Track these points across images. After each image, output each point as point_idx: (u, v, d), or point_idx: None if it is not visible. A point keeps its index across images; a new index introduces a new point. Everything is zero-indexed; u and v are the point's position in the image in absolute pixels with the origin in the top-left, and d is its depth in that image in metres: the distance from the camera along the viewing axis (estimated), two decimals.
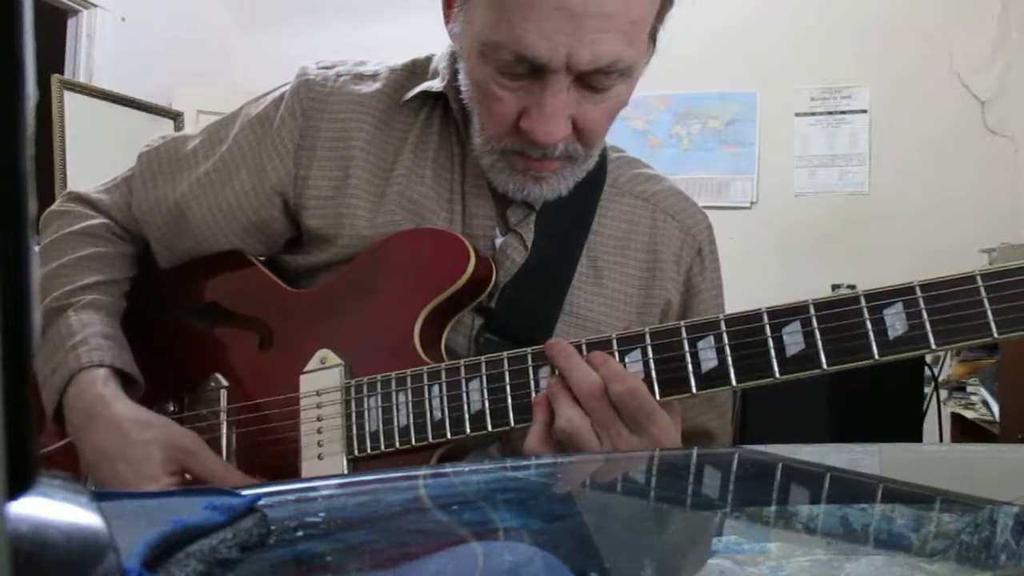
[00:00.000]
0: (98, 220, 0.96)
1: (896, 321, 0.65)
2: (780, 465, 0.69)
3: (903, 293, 0.65)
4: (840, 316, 0.67)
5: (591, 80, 0.76)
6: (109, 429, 0.81)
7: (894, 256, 3.21)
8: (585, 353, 0.74)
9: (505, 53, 0.74)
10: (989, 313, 0.63)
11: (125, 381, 0.87)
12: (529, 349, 0.76)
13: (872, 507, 0.54)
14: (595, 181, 0.92)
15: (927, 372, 2.39)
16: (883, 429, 2.11)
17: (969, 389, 2.73)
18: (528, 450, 0.73)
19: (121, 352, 0.88)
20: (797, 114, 3.62)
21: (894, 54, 3.47)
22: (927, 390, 2.41)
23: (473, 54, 0.78)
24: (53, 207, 0.99)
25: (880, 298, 0.66)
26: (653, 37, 0.82)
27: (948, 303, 0.64)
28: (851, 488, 0.61)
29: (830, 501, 0.57)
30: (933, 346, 0.64)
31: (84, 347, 0.84)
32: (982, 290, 0.63)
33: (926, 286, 0.65)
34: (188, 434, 0.84)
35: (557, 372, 0.73)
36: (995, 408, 2.45)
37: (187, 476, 0.83)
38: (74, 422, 0.83)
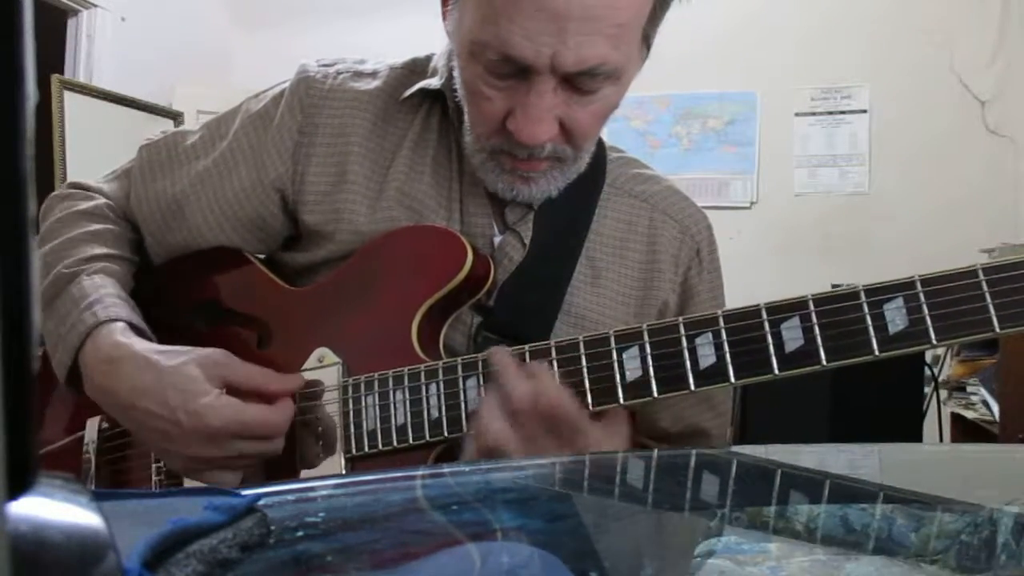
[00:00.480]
0: (102, 201, 0.96)
1: (896, 316, 0.65)
2: (775, 466, 0.69)
3: (903, 288, 0.65)
4: (840, 312, 0.67)
5: (577, 82, 0.76)
6: (138, 366, 0.78)
7: (894, 256, 3.20)
8: (583, 351, 0.74)
9: (491, 53, 0.74)
10: (991, 308, 0.62)
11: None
12: (526, 347, 0.76)
13: (872, 507, 0.54)
14: (594, 181, 0.92)
15: (927, 372, 2.39)
16: (883, 429, 2.11)
17: (969, 389, 2.73)
18: (465, 460, 0.74)
19: (134, 312, 0.86)
20: (797, 114, 3.62)
21: (894, 54, 3.47)
22: (927, 390, 2.41)
23: (463, 53, 0.79)
24: (55, 193, 0.99)
25: (880, 293, 0.66)
26: (647, 41, 0.82)
27: (949, 298, 0.63)
28: (847, 490, 0.61)
29: (825, 501, 0.57)
30: (934, 341, 0.64)
31: (100, 305, 0.83)
32: (984, 284, 0.62)
33: (927, 281, 0.64)
34: (214, 350, 0.81)
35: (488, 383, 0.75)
36: (995, 408, 2.45)
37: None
38: (96, 374, 0.81)
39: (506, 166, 0.82)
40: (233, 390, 0.79)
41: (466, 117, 0.84)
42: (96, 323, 0.82)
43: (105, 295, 0.85)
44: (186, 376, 0.77)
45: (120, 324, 0.83)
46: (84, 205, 0.95)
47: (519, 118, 0.76)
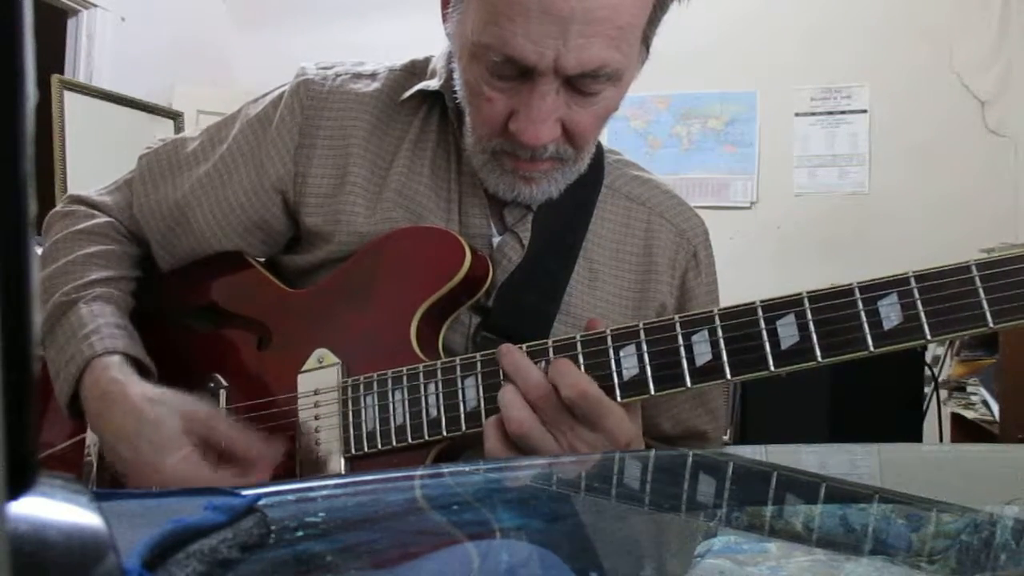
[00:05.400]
0: (103, 219, 0.96)
1: (891, 312, 0.65)
2: (775, 467, 0.69)
3: (898, 284, 0.65)
4: (834, 308, 0.67)
5: (579, 84, 0.76)
6: (124, 410, 0.79)
7: (894, 256, 3.19)
8: (580, 349, 0.74)
9: (493, 55, 0.74)
10: (984, 303, 0.62)
11: (139, 370, 0.86)
12: (524, 346, 0.76)
13: (872, 508, 0.54)
14: (592, 183, 0.92)
15: (927, 372, 2.39)
16: (883, 429, 2.11)
17: (969, 389, 2.73)
18: (488, 453, 0.73)
19: (133, 341, 0.87)
20: (797, 114, 3.62)
21: (894, 54, 3.47)
22: (927, 390, 2.41)
23: (464, 54, 0.79)
24: (56, 209, 0.99)
25: (875, 289, 0.66)
26: (646, 43, 0.82)
27: (943, 293, 0.64)
28: (846, 493, 0.61)
29: (824, 502, 0.57)
30: (928, 337, 0.64)
31: (96, 336, 0.84)
32: (977, 280, 0.63)
33: (921, 276, 0.65)
34: (202, 404, 0.82)
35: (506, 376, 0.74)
36: (995, 408, 2.45)
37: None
38: (91, 409, 0.82)
39: (507, 167, 0.82)
40: (213, 449, 0.79)
41: (467, 118, 0.84)
42: (93, 355, 0.82)
43: (103, 324, 0.85)
44: (162, 432, 0.77)
45: (117, 358, 0.83)
46: (84, 224, 0.95)
47: (521, 119, 0.77)
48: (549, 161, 0.82)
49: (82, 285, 0.89)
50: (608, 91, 0.78)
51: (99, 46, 3.61)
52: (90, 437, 0.92)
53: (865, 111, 3.54)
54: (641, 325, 0.73)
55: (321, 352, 0.85)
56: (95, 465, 0.90)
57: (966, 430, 2.68)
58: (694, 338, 0.71)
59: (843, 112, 3.57)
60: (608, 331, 0.74)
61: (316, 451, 0.84)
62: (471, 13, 0.76)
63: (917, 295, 0.64)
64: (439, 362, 0.79)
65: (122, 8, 3.66)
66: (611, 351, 0.73)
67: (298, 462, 0.84)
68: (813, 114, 3.60)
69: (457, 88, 0.85)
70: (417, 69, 0.95)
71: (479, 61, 0.77)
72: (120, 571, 0.25)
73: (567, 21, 0.71)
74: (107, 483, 0.91)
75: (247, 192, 0.91)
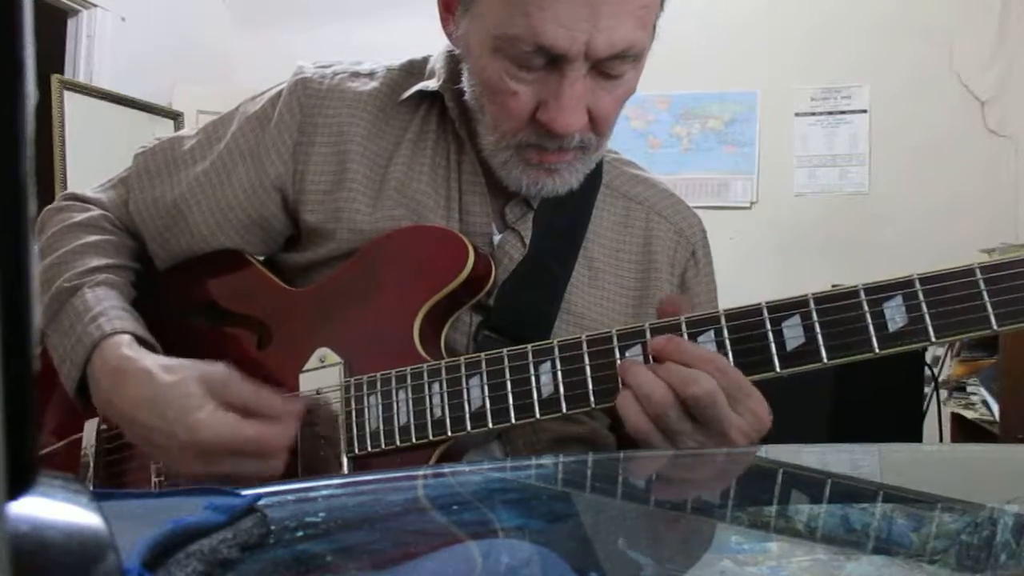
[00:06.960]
0: (98, 212, 0.96)
1: (896, 314, 0.65)
2: (776, 465, 0.69)
3: (902, 286, 0.66)
4: (840, 310, 0.67)
5: (606, 67, 0.76)
6: (139, 381, 0.78)
7: (894, 256, 3.20)
8: (586, 349, 0.74)
9: (523, 45, 0.74)
10: (988, 306, 0.63)
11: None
12: (530, 346, 0.76)
13: (873, 507, 0.54)
14: (592, 181, 0.92)
15: (927, 372, 2.39)
16: (883, 429, 2.11)
17: (969, 389, 2.73)
18: (636, 432, 0.70)
19: (139, 324, 0.87)
20: (797, 114, 3.62)
21: (894, 54, 3.47)
22: (927, 390, 2.41)
23: (484, 51, 0.78)
24: (51, 206, 0.99)
25: (880, 291, 0.66)
26: (653, 25, 0.82)
27: (948, 296, 0.64)
28: (847, 490, 0.61)
29: (825, 501, 0.57)
30: (933, 339, 0.64)
31: (104, 318, 0.83)
32: (981, 283, 0.63)
33: (925, 279, 0.65)
34: (217, 366, 0.80)
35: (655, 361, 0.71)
36: (995, 408, 2.45)
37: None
38: (102, 386, 0.81)
39: (533, 161, 0.82)
40: (234, 408, 0.78)
41: (484, 118, 0.84)
42: (102, 336, 0.82)
43: (109, 307, 0.85)
44: (184, 391, 0.76)
45: (127, 337, 0.82)
46: (80, 216, 0.95)
47: (552, 109, 0.77)
48: (574, 151, 0.82)
49: (84, 272, 0.88)
50: (630, 72, 0.79)
51: (99, 46, 3.60)
52: (86, 438, 0.91)
53: (865, 111, 3.55)
54: (647, 326, 0.73)
55: (323, 351, 0.85)
56: (91, 466, 0.90)
57: (966, 430, 2.68)
58: (700, 339, 0.71)
59: (843, 112, 3.57)
60: (614, 331, 0.74)
61: (319, 450, 0.84)
62: (492, 9, 0.76)
63: (922, 297, 0.65)
64: (443, 361, 0.79)
65: (122, 8, 3.66)
66: (617, 351, 0.73)
67: (300, 462, 0.84)
68: (813, 114, 3.61)
69: (469, 88, 0.84)
70: (415, 69, 0.95)
71: (503, 55, 0.76)
72: (120, 571, 0.25)
73: (596, 3, 0.72)
74: (105, 484, 0.91)
75: (246, 190, 0.91)
